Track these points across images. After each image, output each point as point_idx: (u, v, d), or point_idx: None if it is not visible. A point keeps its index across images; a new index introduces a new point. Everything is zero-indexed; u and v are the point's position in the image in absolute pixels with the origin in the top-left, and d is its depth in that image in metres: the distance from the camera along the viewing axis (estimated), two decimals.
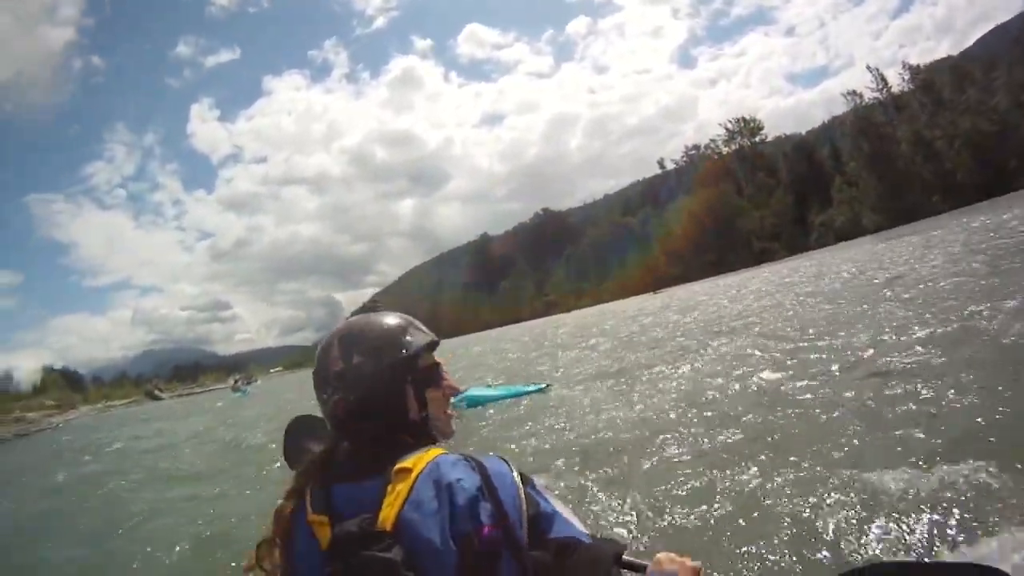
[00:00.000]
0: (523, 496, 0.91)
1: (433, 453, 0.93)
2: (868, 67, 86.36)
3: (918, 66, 78.80)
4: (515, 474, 0.93)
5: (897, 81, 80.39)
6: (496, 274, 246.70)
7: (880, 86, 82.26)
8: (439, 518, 0.84)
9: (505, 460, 0.96)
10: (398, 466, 0.90)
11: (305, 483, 0.95)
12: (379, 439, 0.97)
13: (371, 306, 1.14)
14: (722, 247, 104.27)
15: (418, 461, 0.91)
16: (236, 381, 46.35)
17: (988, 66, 69.51)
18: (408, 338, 1.03)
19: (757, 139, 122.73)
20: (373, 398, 0.98)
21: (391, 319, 1.06)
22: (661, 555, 0.96)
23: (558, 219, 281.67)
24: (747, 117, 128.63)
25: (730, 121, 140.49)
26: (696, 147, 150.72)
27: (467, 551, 0.84)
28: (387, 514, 0.85)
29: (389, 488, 0.88)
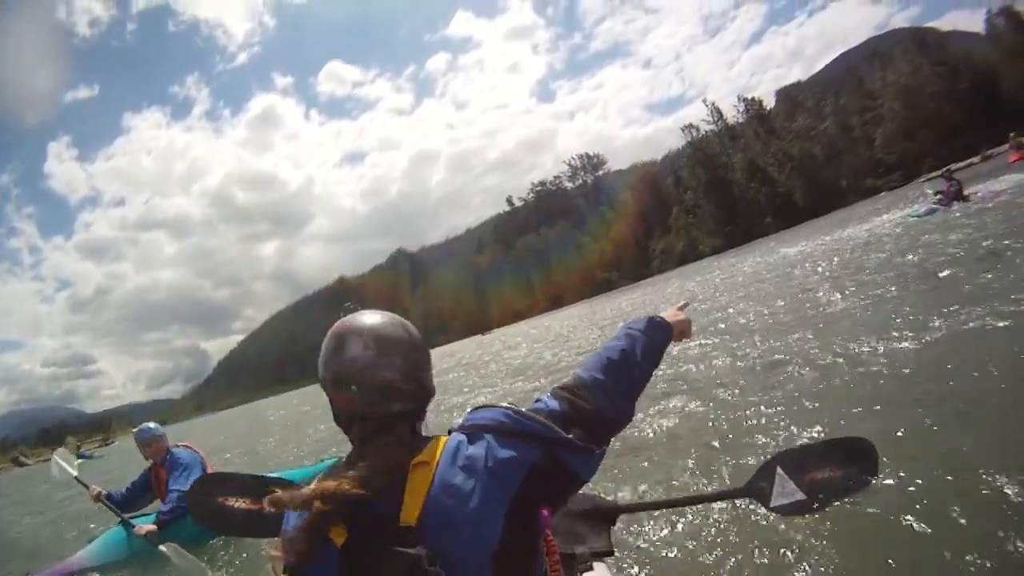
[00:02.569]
0: (527, 411, 0.89)
1: (442, 441, 0.87)
2: (704, 101, 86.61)
3: (752, 98, 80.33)
4: (504, 405, 0.90)
5: (733, 113, 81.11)
6: None
7: (715, 118, 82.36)
8: (478, 492, 0.79)
9: (487, 405, 0.92)
10: (415, 460, 0.84)
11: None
12: (404, 427, 0.92)
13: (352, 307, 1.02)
14: (563, 280, 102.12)
15: (432, 452, 0.85)
16: (79, 447, 45.30)
17: (820, 94, 71.30)
18: None
19: (600, 172, 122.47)
20: (428, 376, 0.98)
21: None
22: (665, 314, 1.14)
23: (413, 259, 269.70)
24: (590, 153, 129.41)
25: (573, 157, 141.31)
26: (542, 183, 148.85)
27: (519, 511, 0.80)
28: (410, 508, 0.79)
29: (408, 483, 0.81)
